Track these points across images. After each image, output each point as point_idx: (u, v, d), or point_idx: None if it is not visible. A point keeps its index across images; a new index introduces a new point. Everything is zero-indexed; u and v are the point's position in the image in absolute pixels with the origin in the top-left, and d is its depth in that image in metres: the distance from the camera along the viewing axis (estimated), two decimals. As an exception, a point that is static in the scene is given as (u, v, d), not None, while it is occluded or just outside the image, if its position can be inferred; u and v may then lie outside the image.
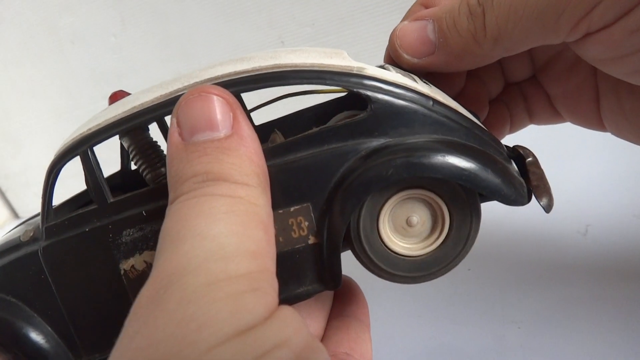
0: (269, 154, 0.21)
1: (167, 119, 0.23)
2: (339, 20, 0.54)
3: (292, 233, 0.21)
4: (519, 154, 0.24)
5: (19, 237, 0.23)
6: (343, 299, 0.28)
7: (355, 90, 0.21)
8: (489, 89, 0.31)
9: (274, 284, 0.17)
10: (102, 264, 0.22)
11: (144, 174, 0.27)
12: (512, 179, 0.21)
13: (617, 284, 0.29)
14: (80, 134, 0.22)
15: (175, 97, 0.21)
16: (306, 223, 0.21)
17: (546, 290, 0.31)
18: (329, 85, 0.21)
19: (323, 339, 0.26)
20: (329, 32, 0.55)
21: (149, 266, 0.22)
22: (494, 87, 0.32)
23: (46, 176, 0.22)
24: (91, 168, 0.22)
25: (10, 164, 0.77)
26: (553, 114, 0.31)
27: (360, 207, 0.21)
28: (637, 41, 0.20)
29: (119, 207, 0.22)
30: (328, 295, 0.27)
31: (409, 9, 0.29)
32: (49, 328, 0.23)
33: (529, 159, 0.24)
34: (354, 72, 0.22)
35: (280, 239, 0.21)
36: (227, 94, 0.19)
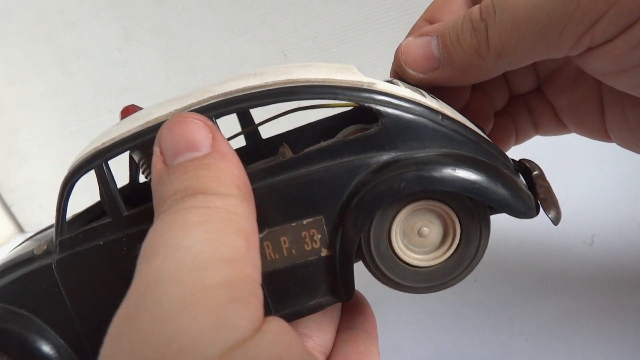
0: (281, 167, 0.22)
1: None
2: (341, 33, 0.55)
3: (305, 246, 0.22)
4: (525, 167, 0.25)
5: (32, 250, 0.23)
6: (351, 312, 0.28)
7: (366, 105, 0.22)
8: (494, 102, 0.32)
9: (258, 292, 0.16)
10: (115, 277, 0.22)
11: (154, 187, 0.27)
12: (520, 192, 0.21)
13: (624, 295, 0.30)
14: (95, 148, 0.22)
15: (189, 112, 0.22)
16: (319, 236, 0.22)
17: (553, 302, 0.31)
18: (340, 100, 0.22)
19: (332, 351, 0.26)
20: (332, 44, 0.56)
21: (162, 279, 0.22)
22: (499, 99, 0.32)
23: (60, 190, 0.23)
24: (106, 182, 0.22)
25: (15, 177, 0.77)
26: (558, 125, 0.32)
27: (372, 219, 0.21)
28: (639, 55, 0.21)
29: (133, 221, 0.22)
30: (337, 307, 0.28)
31: (414, 25, 0.30)
32: (62, 341, 0.23)
33: (536, 172, 0.24)
34: (365, 87, 0.22)
35: (293, 252, 0.22)
36: (204, 118, 0.20)
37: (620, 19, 0.20)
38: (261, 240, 0.21)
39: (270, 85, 0.22)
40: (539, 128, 0.33)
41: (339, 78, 0.22)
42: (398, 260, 0.22)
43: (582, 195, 0.38)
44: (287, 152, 0.28)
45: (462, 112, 0.31)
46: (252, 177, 0.20)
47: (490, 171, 0.21)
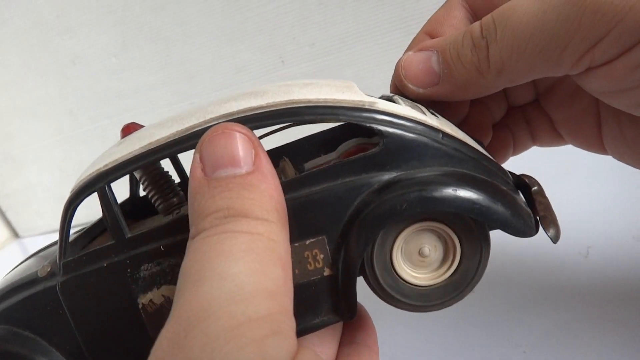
0: (285, 187, 0.22)
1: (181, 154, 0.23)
2: (338, 40, 0.55)
3: (308, 265, 0.22)
4: (524, 183, 0.25)
5: (36, 272, 0.23)
6: (352, 326, 0.28)
7: (368, 125, 0.22)
8: (492, 114, 0.32)
9: (292, 324, 0.17)
10: (120, 299, 0.22)
11: (156, 204, 0.27)
12: (520, 211, 0.22)
13: (620, 307, 0.30)
14: (97, 169, 0.22)
15: (191, 133, 0.22)
16: (321, 255, 0.22)
17: (550, 313, 0.31)
18: (342, 120, 0.22)
19: None
20: (329, 52, 0.56)
21: (167, 300, 0.22)
22: (497, 111, 0.32)
23: (63, 212, 0.23)
24: (109, 204, 0.22)
25: (11, 182, 0.77)
26: (556, 137, 0.32)
27: (375, 240, 0.22)
28: (638, 77, 0.21)
29: (137, 242, 0.22)
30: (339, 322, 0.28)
31: (414, 38, 0.30)
32: (67, 362, 0.23)
33: (535, 187, 0.24)
34: (366, 106, 0.22)
35: (296, 271, 0.22)
36: (248, 131, 0.20)
37: (621, 42, 0.20)
38: None
39: (272, 106, 0.22)
40: (536, 139, 0.33)
41: (341, 98, 0.22)
42: (399, 279, 0.23)
43: (578, 207, 0.38)
44: (287, 167, 0.29)
45: (461, 125, 0.31)
46: None
47: (491, 190, 0.21)
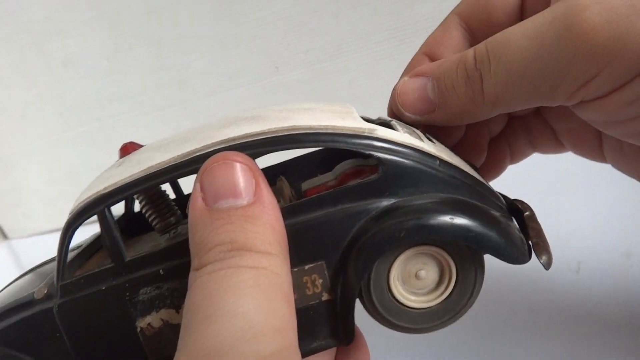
0: (284, 213, 0.22)
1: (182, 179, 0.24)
2: (333, 48, 0.55)
3: (307, 290, 0.22)
4: (517, 208, 0.25)
5: (33, 293, 0.23)
6: (346, 346, 0.28)
7: (367, 152, 0.22)
8: (490, 130, 0.32)
9: (299, 357, 0.18)
10: (118, 322, 0.22)
11: (153, 224, 0.27)
12: (514, 238, 0.22)
13: (610, 322, 0.31)
14: (97, 192, 0.22)
15: (191, 158, 0.22)
16: (320, 280, 0.22)
17: (541, 329, 0.32)
18: (342, 147, 0.22)
19: None
20: (323, 59, 0.56)
21: (165, 324, 0.22)
22: (496, 126, 0.33)
23: (62, 235, 0.23)
24: (109, 228, 0.22)
25: (-1, 184, 0.76)
26: (557, 145, 0.32)
27: (372, 266, 0.22)
28: (631, 111, 0.21)
29: (136, 266, 0.22)
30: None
31: (413, 58, 0.30)
32: (63, 385, 0.23)
33: (527, 212, 0.25)
34: (365, 134, 0.23)
35: (295, 296, 0.22)
36: (249, 160, 0.20)
37: (612, 80, 0.20)
38: None
39: (272, 132, 0.22)
40: (537, 147, 0.33)
41: (340, 125, 0.23)
42: (396, 302, 0.23)
43: (568, 223, 0.39)
44: (284, 186, 0.29)
45: (457, 145, 0.32)
46: None
47: (485, 218, 0.22)
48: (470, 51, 0.24)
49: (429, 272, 0.23)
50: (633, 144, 0.27)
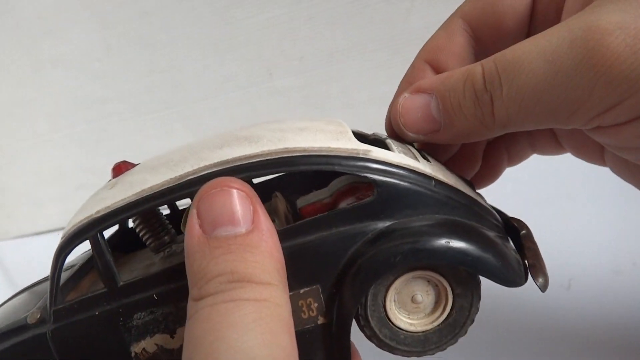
0: (280, 236, 0.22)
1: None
2: (327, 55, 0.55)
3: (302, 314, 0.22)
4: (513, 227, 0.25)
5: (25, 317, 0.23)
6: None
7: (362, 174, 0.22)
8: (487, 139, 0.32)
9: None
10: (112, 347, 0.22)
11: (147, 242, 0.27)
12: (511, 261, 0.22)
13: (603, 342, 0.31)
14: (89, 216, 0.22)
15: (185, 182, 0.22)
16: (315, 304, 0.22)
17: (532, 347, 0.32)
18: (337, 170, 0.22)
19: None
20: (317, 66, 0.56)
21: (160, 349, 0.22)
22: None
23: (54, 259, 0.22)
24: (101, 252, 0.22)
25: (-17, 185, 0.75)
26: (557, 147, 0.32)
27: (368, 291, 0.22)
28: None
29: (130, 290, 0.22)
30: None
31: (412, 65, 0.29)
32: (57, 410, 0.23)
33: (523, 231, 0.25)
34: (360, 155, 0.22)
35: (291, 321, 0.22)
36: (246, 187, 0.20)
37: (632, 111, 0.20)
38: None
39: (266, 154, 0.22)
40: (536, 148, 0.33)
41: (335, 146, 0.22)
42: (392, 325, 0.23)
43: (560, 239, 0.39)
44: (279, 203, 0.29)
45: (452, 156, 0.31)
46: None
47: (482, 241, 0.22)
48: (478, 68, 0.22)
49: (425, 296, 0.23)
50: None
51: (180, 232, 0.28)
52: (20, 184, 0.75)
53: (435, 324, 0.23)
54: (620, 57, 0.18)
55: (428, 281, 0.23)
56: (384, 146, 0.25)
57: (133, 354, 0.22)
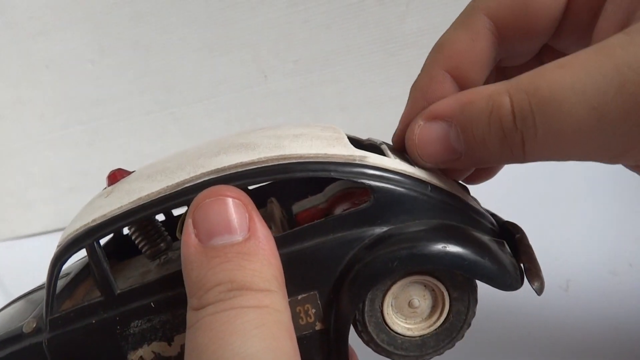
0: (277, 243, 0.22)
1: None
2: (322, 58, 0.55)
3: (300, 320, 0.22)
4: (508, 230, 0.26)
5: (21, 326, 0.23)
6: None
7: (359, 181, 0.22)
8: None
9: None
10: (109, 356, 0.22)
11: (143, 250, 0.27)
12: (507, 265, 0.22)
13: (601, 342, 0.31)
14: (85, 225, 0.22)
15: (181, 190, 0.22)
16: (313, 310, 0.22)
17: (531, 349, 0.32)
18: (334, 176, 0.22)
19: None
20: (312, 69, 0.56)
21: (157, 356, 0.22)
22: None
23: (50, 268, 0.22)
24: (98, 261, 0.22)
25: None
26: None
27: (365, 296, 0.22)
28: None
29: (126, 299, 0.22)
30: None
31: (426, 73, 0.25)
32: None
33: (518, 235, 0.25)
34: (357, 161, 0.22)
35: (289, 327, 0.22)
36: (241, 194, 0.20)
37: None
38: None
39: (262, 162, 0.22)
40: None
41: (331, 152, 0.22)
42: (390, 330, 0.23)
43: (557, 240, 0.39)
44: (275, 209, 0.29)
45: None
46: None
47: (478, 245, 0.22)
48: (505, 100, 0.19)
49: (422, 300, 0.23)
50: None
51: (175, 239, 0.28)
52: (11, 186, 0.75)
53: (433, 328, 0.23)
54: None
55: (425, 286, 0.23)
56: (379, 151, 0.25)
57: (130, 362, 0.22)
